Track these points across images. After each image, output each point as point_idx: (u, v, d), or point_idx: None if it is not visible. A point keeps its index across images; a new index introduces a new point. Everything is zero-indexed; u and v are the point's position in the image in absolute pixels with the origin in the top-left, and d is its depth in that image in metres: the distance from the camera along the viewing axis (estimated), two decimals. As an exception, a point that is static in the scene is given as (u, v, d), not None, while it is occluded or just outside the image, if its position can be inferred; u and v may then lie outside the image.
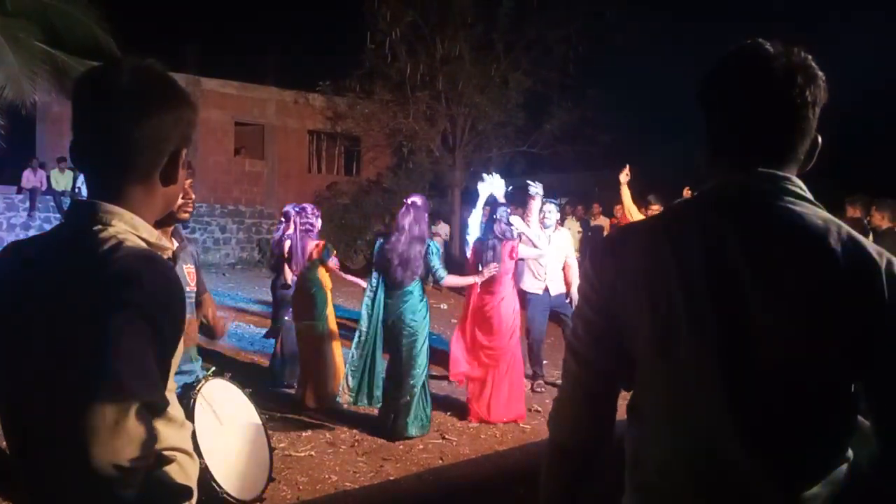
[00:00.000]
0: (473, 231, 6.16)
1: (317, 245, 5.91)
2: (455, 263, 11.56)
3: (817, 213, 1.20)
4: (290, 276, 6.35)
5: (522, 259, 6.35)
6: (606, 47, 15.32)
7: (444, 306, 10.29)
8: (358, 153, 21.96)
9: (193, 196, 2.68)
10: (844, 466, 1.20)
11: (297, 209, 6.22)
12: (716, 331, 1.16)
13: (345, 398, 5.34)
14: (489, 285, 5.77)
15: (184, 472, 1.30)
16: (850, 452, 1.21)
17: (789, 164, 1.24)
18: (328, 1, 21.49)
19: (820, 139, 1.26)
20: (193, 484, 1.34)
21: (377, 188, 18.49)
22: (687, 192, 12.68)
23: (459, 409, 5.92)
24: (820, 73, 1.22)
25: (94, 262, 1.16)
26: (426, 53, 16.13)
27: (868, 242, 1.18)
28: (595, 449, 1.32)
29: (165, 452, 1.26)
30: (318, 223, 6.15)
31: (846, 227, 1.19)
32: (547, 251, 6.53)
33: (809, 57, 1.22)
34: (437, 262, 5.29)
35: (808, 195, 1.22)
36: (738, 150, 1.25)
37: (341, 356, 5.80)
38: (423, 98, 16.52)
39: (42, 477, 1.21)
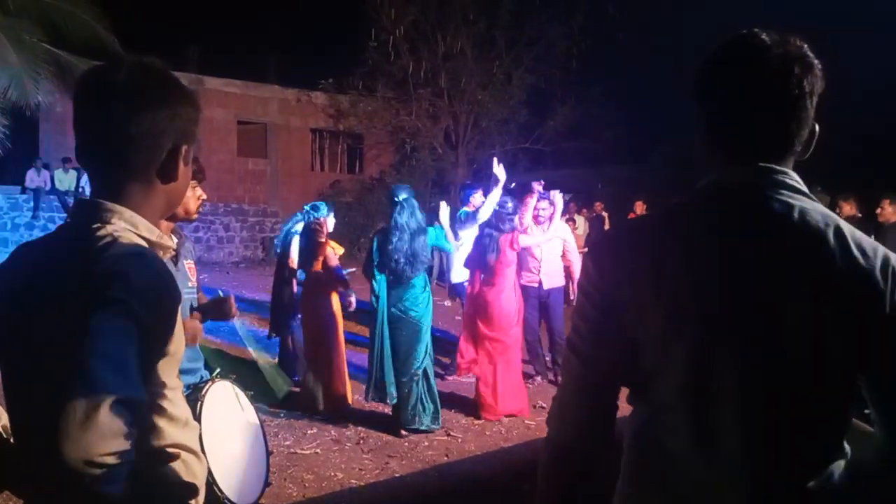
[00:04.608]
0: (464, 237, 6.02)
1: (325, 244, 5.80)
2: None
3: (815, 208, 1.20)
4: (298, 277, 6.29)
5: (524, 249, 6.23)
6: (609, 44, 15.31)
7: (447, 303, 10.26)
8: (361, 151, 21.96)
9: (205, 196, 2.72)
10: (842, 462, 1.20)
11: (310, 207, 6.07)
12: (725, 322, 1.16)
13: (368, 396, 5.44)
14: (489, 278, 5.75)
15: (189, 471, 1.30)
16: (847, 448, 1.21)
17: (787, 155, 1.23)
18: (330, -1, 21.51)
19: (817, 128, 1.24)
20: (200, 483, 1.33)
21: (380, 186, 18.51)
22: (640, 206, 12.40)
23: (465, 406, 5.93)
24: (817, 62, 1.20)
25: (87, 259, 1.17)
26: (428, 51, 16.13)
27: (865, 238, 1.19)
28: (598, 448, 1.29)
29: (169, 450, 1.26)
30: (327, 223, 6.01)
31: (843, 222, 1.20)
32: (544, 237, 6.42)
33: (806, 45, 1.20)
34: (449, 245, 5.53)
35: (804, 189, 1.22)
36: (736, 144, 1.24)
37: (344, 357, 5.79)
38: (426, 95, 16.54)
39: (34, 472, 1.21)
